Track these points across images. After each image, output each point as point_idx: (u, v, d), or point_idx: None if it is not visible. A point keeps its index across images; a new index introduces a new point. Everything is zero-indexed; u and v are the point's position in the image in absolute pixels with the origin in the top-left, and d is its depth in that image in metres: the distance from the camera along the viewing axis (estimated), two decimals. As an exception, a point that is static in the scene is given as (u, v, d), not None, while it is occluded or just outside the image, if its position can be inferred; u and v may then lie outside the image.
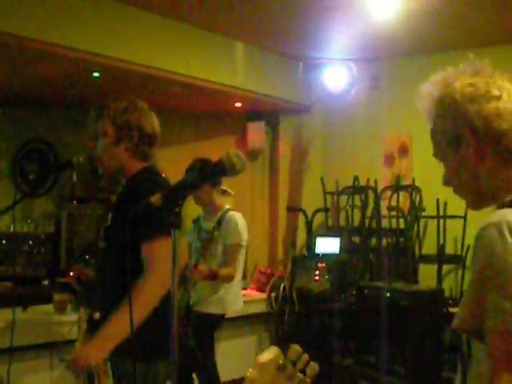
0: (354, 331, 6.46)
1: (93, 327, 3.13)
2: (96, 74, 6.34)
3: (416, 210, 7.07)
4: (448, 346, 5.55)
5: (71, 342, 3.55)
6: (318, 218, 7.83)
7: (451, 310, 5.80)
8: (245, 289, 6.76)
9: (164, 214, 2.12)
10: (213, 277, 5.23)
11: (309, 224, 7.73)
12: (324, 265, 6.93)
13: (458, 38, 6.58)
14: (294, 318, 7.07)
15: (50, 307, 5.30)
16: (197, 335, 5.26)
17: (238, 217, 5.47)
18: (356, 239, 7.60)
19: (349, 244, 7.44)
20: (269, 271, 7.65)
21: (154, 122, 3.32)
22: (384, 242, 7.22)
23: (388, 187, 7.39)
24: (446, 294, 6.52)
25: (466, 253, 6.46)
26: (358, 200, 7.64)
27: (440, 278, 6.57)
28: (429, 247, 6.98)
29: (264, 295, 7.29)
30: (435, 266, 6.59)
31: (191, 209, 5.57)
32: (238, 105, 7.79)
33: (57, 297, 5.24)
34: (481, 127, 1.82)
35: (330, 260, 6.97)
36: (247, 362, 6.97)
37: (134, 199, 2.90)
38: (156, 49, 6.08)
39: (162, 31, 6.15)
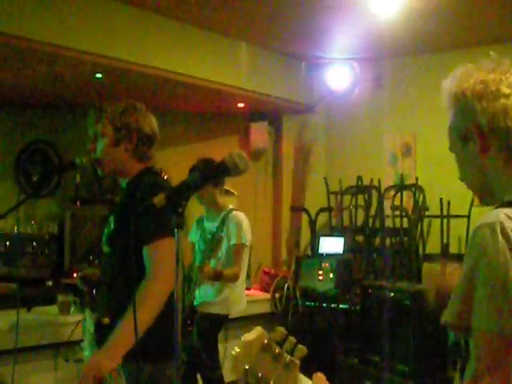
0: (357, 331, 6.46)
1: (102, 332, 3.12)
2: (99, 75, 6.35)
3: (420, 209, 7.06)
4: (452, 345, 5.54)
5: (76, 343, 3.55)
6: (322, 218, 7.83)
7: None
8: (248, 289, 6.76)
9: (166, 215, 2.12)
10: (218, 277, 5.23)
11: (312, 224, 7.72)
12: (328, 264, 6.92)
13: (461, 36, 6.58)
14: (298, 317, 7.07)
15: (54, 308, 5.30)
16: (201, 335, 5.27)
17: (241, 217, 5.48)
18: (360, 239, 7.59)
19: (352, 244, 7.44)
20: (272, 271, 7.64)
21: (152, 123, 3.32)
22: (388, 241, 7.22)
23: (391, 187, 7.38)
24: (450, 293, 6.51)
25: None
26: (361, 199, 7.64)
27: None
28: (433, 246, 6.97)
29: (268, 295, 7.28)
30: (439, 266, 6.58)
31: (194, 209, 5.57)
32: (241, 105, 7.80)
33: (61, 298, 5.25)
34: (486, 124, 1.83)
35: (334, 260, 6.96)
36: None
37: (136, 201, 2.90)
38: (159, 50, 6.08)
39: (165, 32, 6.15)
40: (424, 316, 5.67)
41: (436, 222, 6.93)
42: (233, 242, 5.38)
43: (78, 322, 3.55)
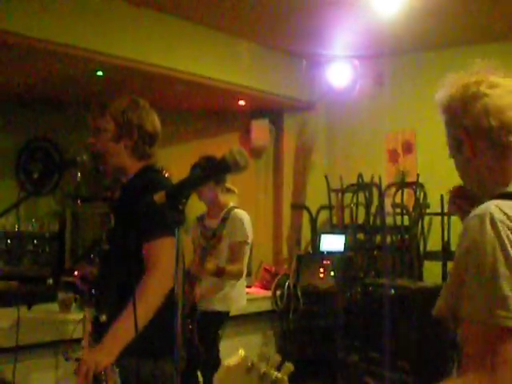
0: (358, 328, 6.46)
1: (99, 329, 3.12)
2: (100, 73, 6.35)
3: (420, 206, 7.06)
4: (452, 341, 5.54)
5: (77, 341, 3.55)
6: (323, 216, 7.84)
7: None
8: (249, 286, 6.76)
9: (166, 213, 2.11)
10: (220, 274, 5.24)
11: (313, 221, 7.73)
12: (329, 262, 6.93)
13: (461, 34, 6.57)
14: (299, 315, 7.07)
15: (54, 306, 5.30)
16: (201, 333, 5.27)
17: (243, 214, 5.47)
18: (360, 236, 7.59)
19: (353, 241, 7.44)
20: (273, 269, 7.64)
21: (154, 121, 3.31)
22: (388, 239, 7.21)
23: (392, 184, 7.39)
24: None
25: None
26: (362, 197, 7.64)
27: (445, 275, 6.55)
28: (433, 244, 6.97)
29: (269, 293, 7.28)
30: (440, 263, 6.58)
31: (195, 206, 5.57)
32: (242, 103, 7.80)
33: (62, 296, 5.24)
34: (471, 126, 1.91)
35: (335, 257, 6.97)
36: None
37: (136, 199, 2.90)
38: (159, 47, 6.08)
39: (165, 29, 6.15)
40: (424, 313, 5.66)
41: (437, 220, 6.92)
42: (235, 239, 5.38)
43: (79, 321, 3.54)
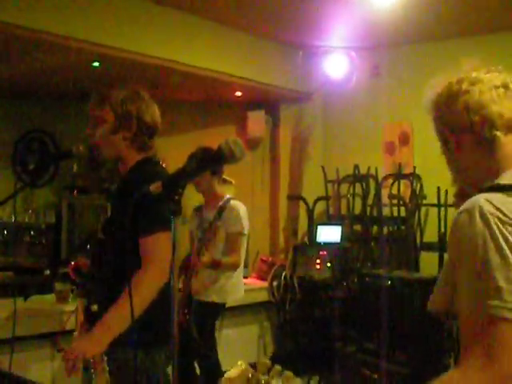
0: (355, 319, 6.47)
1: (90, 318, 3.13)
2: (96, 64, 6.34)
3: (417, 198, 7.07)
4: (449, 333, 5.56)
5: (71, 332, 3.56)
6: (319, 207, 7.83)
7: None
8: (246, 277, 6.76)
9: (162, 206, 2.11)
10: (216, 265, 5.24)
11: (310, 212, 7.73)
12: (325, 253, 6.94)
13: (459, 25, 6.56)
14: (296, 306, 7.08)
15: (51, 297, 5.30)
16: (198, 324, 5.27)
17: (239, 206, 5.48)
18: (357, 227, 7.60)
19: (350, 232, 7.45)
20: (270, 260, 7.64)
21: (154, 113, 3.29)
22: (385, 230, 7.22)
23: (389, 175, 7.39)
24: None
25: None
26: (359, 188, 7.64)
27: (441, 266, 6.57)
28: (430, 235, 6.98)
29: (265, 284, 7.28)
30: (436, 254, 6.58)
31: (192, 197, 5.57)
32: (238, 94, 7.78)
33: (58, 287, 5.24)
34: (455, 123, 1.95)
35: (332, 248, 6.97)
36: (249, 350, 7.00)
37: (133, 190, 2.90)
38: (155, 38, 6.07)
39: (162, 20, 6.13)
40: (421, 304, 5.67)
41: (433, 211, 6.93)
42: (231, 230, 5.38)
43: (72, 312, 3.55)
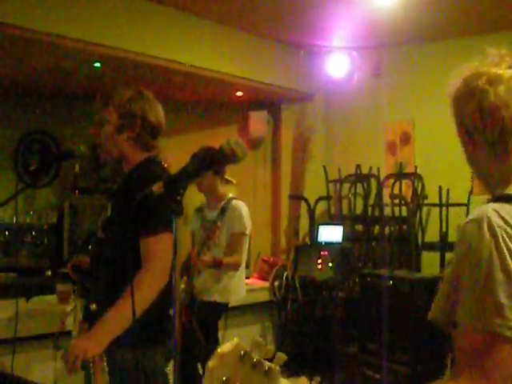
0: (356, 319, 6.47)
1: (89, 318, 3.13)
2: (97, 65, 6.34)
3: (418, 197, 7.07)
4: (448, 337, 5.56)
5: (69, 332, 3.56)
6: (321, 207, 7.84)
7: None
8: (248, 277, 6.76)
9: (164, 206, 2.11)
10: (218, 265, 5.24)
11: (311, 212, 7.73)
12: (327, 253, 6.93)
13: (459, 25, 6.56)
14: (297, 306, 7.08)
15: (53, 298, 5.30)
16: (201, 324, 5.28)
17: (241, 206, 5.48)
18: (359, 227, 7.60)
19: (351, 232, 7.45)
20: (272, 260, 7.65)
21: (158, 112, 3.29)
22: (387, 229, 7.22)
23: (390, 175, 7.39)
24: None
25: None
26: (360, 188, 7.64)
27: (443, 266, 6.56)
28: (431, 235, 6.97)
29: (267, 284, 7.29)
30: (438, 254, 6.59)
31: (194, 197, 5.57)
32: (240, 94, 7.79)
33: (60, 287, 5.24)
34: (468, 123, 1.87)
35: (333, 248, 6.97)
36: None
37: (135, 190, 2.90)
38: (157, 39, 6.07)
39: (163, 21, 6.14)
40: (422, 304, 5.67)
41: (435, 211, 6.93)
42: (233, 230, 5.39)
43: (70, 310, 3.55)
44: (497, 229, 1.65)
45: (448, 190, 6.66)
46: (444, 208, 6.75)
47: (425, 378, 1.75)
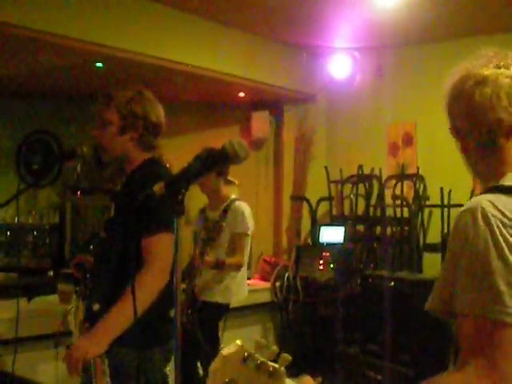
0: (358, 320, 6.46)
1: (91, 318, 3.13)
2: (99, 65, 6.35)
3: (420, 198, 7.07)
4: (450, 335, 5.55)
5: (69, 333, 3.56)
6: (323, 207, 7.84)
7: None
8: (249, 278, 6.76)
9: (165, 207, 2.11)
10: (220, 266, 5.25)
11: (313, 213, 7.73)
12: (328, 254, 6.94)
13: (462, 25, 6.56)
14: (299, 307, 7.08)
15: (55, 298, 5.30)
16: (201, 324, 5.27)
17: (244, 207, 5.49)
18: (360, 228, 7.60)
19: (353, 233, 7.45)
20: (273, 260, 7.64)
21: (159, 112, 3.31)
22: (388, 230, 7.21)
23: (392, 176, 7.39)
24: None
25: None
26: (362, 189, 7.64)
27: (444, 267, 6.56)
28: (433, 236, 6.97)
29: (268, 284, 7.29)
30: (439, 255, 6.58)
31: (198, 199, 5.57)
32: (242, 94, 7.79)
33: (62, 287, 5.23)
34: (458, 124, 1.92)
35: (335, 249, 6.97)
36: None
37: (137, 190, 2.90)
38: (159, 39, 6.07)
39: (165, 21, 6.14)
40: (424, 305, 5.67)
41: (437, 212, 6.93)
42: (236, 231, 5.39)
43: (69, 309, 3.55)
44: (491, 217, 1.67)
45: (450, 191, 6.65)
46: (446, 209, 6.75)
47: (426, 380, 1.75)
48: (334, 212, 7.92)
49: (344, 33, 7.00)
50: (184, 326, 5.03)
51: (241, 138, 1.94)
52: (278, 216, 8.27)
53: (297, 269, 7.20)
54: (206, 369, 5.49)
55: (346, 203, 7.86)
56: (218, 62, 6.65)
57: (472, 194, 6.32)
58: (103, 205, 7.50)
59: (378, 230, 7.40)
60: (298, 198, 8.03)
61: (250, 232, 5.46)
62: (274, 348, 1.51)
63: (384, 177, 7.38)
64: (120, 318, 2.84)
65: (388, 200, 7.23)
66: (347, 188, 7.83)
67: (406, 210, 7.11)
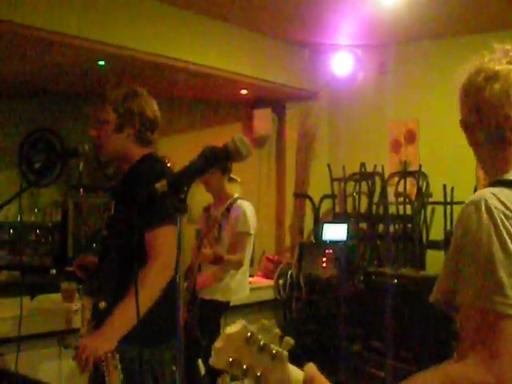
0: (361, 317, 6.47)
1: (98, 316, 3.13)
2: (102, 63, 6.34)
3: (423, 195, 7.07)
4: (455, 330, 5.54)
5: (76, 330, 3.56)
6: (325, 205, 7.83)
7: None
8: (252, 276, 6.76)
9: (167, 202, 2.11)
10: (218, 260, 5.23)
11: (316, 211, 7.72)
12: (331, 251, 6.93)
13: (464, 22, 6.55)
14: (302, 304, 7.08)
15: (57, 296, 5.30)
16: (202, 322, 5.27)
17: (246, 205, 5.49)
18: (363, 225, 7.60)
19: (356, 230, 7.44)
20: (276, 258, 7.64)
21: (154, 107, 3.34)
22: (391, 228, 7.22)
23: (395, 173, 7.39)
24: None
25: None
26: (365, 186, 7.64)
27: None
28: (436, 233, 6.97)
29: (271, 282, 7.29)
30: (442, 252, 6.58)
31: (202, 197, 5.58)
32: (244, 92, 7.78)
33: (64, 285, 5.24)
34: (468, 118, 1.91)
35: (338, 246, 6.97)
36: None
37: (137, 187, 2.90)
38: (161, 37, 6.07)
39: (167, 19, 6.13)
40: (427, 302, 5.66)
41: (439, 209, 6.93)
42: (238, 230, 5.39)
43: (75, 310, 3.56)
44: (494, 210, 1.68)
45: (452, 188, 6.65)
46: (448, 206, 6.74)
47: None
48: (337, 209, 7.92)
49: (346, 30, 6.99)
50: (185, 324, 5.03)
51: (243, 135, 1.93)
52: (280, 214, 8.27)
53: (300, 266, 7.20)
54: (206, 366, 5.49)
55: (349, 201, 7.87)
56: (220, 60, 6.64)
57: (475, 191, 6.32)
58: (105, 203, 7.51)
59: (381, 227, 7.40)
60: (301, 195, 8.03)
61: (252, 231, 5.45)
62: (277, 331, 1.51)
63: (386, 174, 7.38)
64: (128, 313, 2.84)
65: (391, 197, 7.24)
66: (350, 185, 7.83)
67: (408, 207, 7.11)
